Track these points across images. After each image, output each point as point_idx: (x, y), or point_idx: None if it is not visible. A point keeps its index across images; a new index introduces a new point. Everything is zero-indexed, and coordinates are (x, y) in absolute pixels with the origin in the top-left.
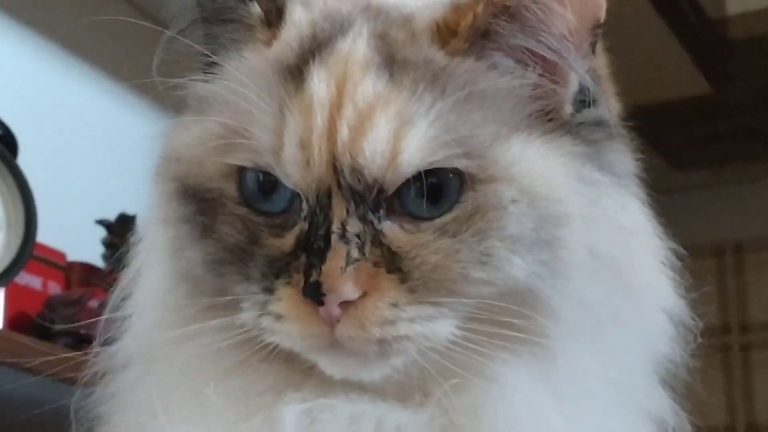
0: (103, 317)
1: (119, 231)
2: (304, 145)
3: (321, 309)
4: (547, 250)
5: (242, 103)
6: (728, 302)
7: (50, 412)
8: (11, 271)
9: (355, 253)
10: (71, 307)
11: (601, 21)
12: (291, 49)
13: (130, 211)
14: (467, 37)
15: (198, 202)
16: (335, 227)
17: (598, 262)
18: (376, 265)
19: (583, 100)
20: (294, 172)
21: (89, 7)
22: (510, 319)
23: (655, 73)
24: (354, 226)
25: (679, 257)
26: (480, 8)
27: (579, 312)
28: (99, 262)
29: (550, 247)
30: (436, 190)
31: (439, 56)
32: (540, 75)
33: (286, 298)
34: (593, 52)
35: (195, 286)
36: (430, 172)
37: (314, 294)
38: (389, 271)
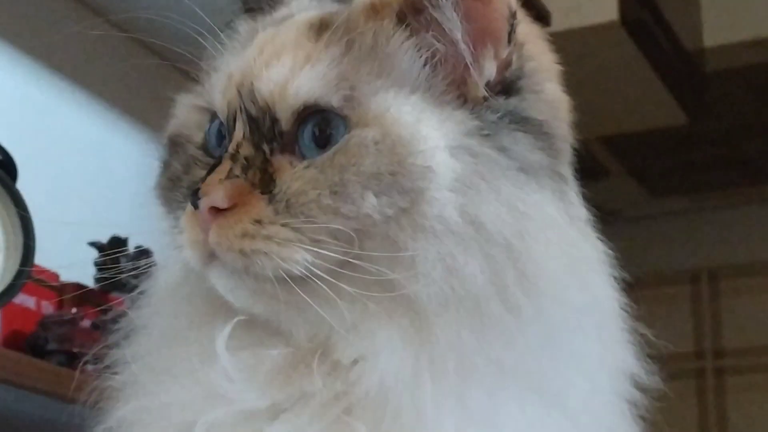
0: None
1: (111, 252)
2: (230, 77)
3: (197, 213)
4: (406, 198)
5: (221, 57)
6: (703, 328)
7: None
8: (9, 293)
9: (237, 171)
10: (64, 326)
11: (513, 10)
12: (272, 18)
13: (122, 234)
14: (390, 11)
15: (172, 146)
16: (231, 148)
17: (479, 234)
18: (253, 185)
19: (504, 90)
20: (217, 98)
21: (87, 35)
22: (369, 265)
23: (634, 104)
24: (246, 149)
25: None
26: None
27: (452, 279)
28: (91, 282)
29: (409, 195)
30: (324, 133)
31: (362, 22)
32: (449, 52)
33: (185, 212)
34: (509, 42)
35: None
36: (318, 113)
37: (193, 199)
38: (263, 193)
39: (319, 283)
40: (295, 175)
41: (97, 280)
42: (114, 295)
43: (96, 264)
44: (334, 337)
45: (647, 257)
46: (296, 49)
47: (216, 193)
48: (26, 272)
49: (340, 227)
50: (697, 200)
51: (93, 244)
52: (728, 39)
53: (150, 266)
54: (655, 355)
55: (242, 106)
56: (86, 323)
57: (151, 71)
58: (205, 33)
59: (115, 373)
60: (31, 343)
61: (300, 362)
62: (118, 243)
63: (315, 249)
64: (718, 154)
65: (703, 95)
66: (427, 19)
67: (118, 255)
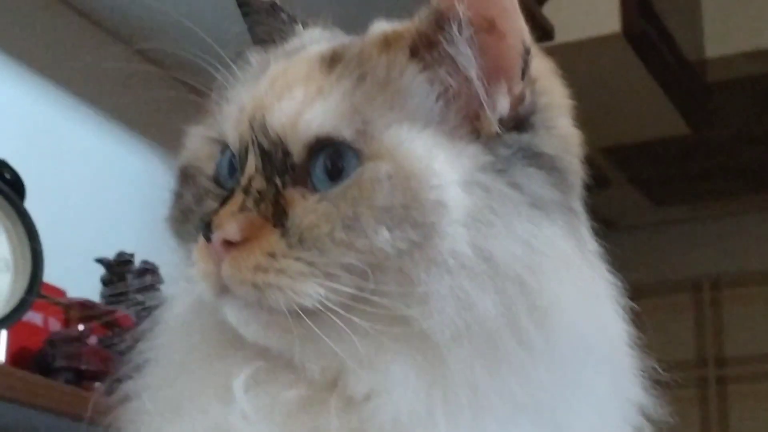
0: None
1: (117, 269)
2: (241, 109)
3: (210, 246)
4: (420, 233)
5: (233, 89)
6: (705, 336)
7: None
8: (18, 312)
9: (249, 203)
10: (72, 344)
11: (528, 46)
12: (284, 50)
13: (128, 250)
14: (403, 44)
15: (183, 177)
16: (243, 180)
17: (492, 269)
18: (265, 218)
19: (517, 125)
20: (228, 130)
21: (93, 51)
22: (383, 300)
23: (636, 115)
24: (258, 182)
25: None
26: (418, 22)
27: (465, 314)
28: (98, 299)
29: (422, 229)
30: (336, 166)
31: (374, 55)
32: (462, 87)
33: (198, 245)
34: (522, 77)
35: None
36: (330, 145)
37: (205, 232)
38: (275, 226)
39: (332, 316)
40: (308, 209)
41: (104, 296)
42: (121, 311)
43: (103, 280)
44: (347, 371)
45: (650, 266)
46: (308, 82)
47: (229, 226)
48: (35, 292)
49: (354, 261)
50: (699, 209)
51: (100, 261)
52: (730, 50)
53: (156, 283)
54: (659, 381)
55: (254, 139)
56: (93, 340)
57: (159, 88)
58: (216, 64)
59: (127, 404)
60: (39, 360)
61: (315, 399)
62: (124, 260)
63: (328, 283)
64: (719, 163)
65: (705, 105)
66: (441, 53)
67: (124, 271)
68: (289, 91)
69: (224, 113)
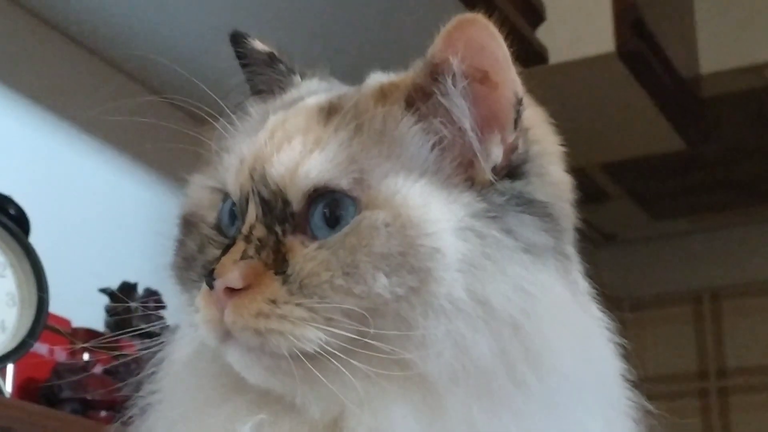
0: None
1: (121, 299)
2: (242, 160)
3: (213, 293)
4: (416, 278)
5: (232, 139)
6: (706, 348)
7: None
8: (25, 345)
9: (251, 252)
10: (78, 373)
11: (520, 96)
12: (282, 101)
13: (131, 280)
14: (399, 95)
15: (185, 225)
16: (244, 229)
17: (486, 313)
18: (266, 266)
19: (510, 173)
20: (229, 180)
21: (94, 82)
22: (382, 344)
23: (632, 132)
24: (259, 231)
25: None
26: (414, 74)
27: (462, 357)
28: (102, 328)
29: (418, 275)
30: (334, 214)
31: (371, 106)
32: (456, 137)
33: (201, 291)
34: (515, 127)
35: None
36: (328, 194)
37: (208, 279)
38: (276, 273)
39: (332, 360)
40: (307, 256)
41: (108, 325)
42: (126, 340)
43: (107, 310)
44: (347, 413)
45: (649, 279)
46: (306, 133)
47: (231, 274)
48: (41, 325)
49: (353, 307)
50: (696, 222)
51: (103, 291)
52: (724, 66)
53: (160, 308)
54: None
55: (254, 189)
56: (98, 369)
57: (160, 117)
58: (215, 114)
59: None
60: (46, 391)
61: None
62: (127, 289)
63: (328, 328)
64: (716, 177)
65: (700, 121)
66: (435, 104)
67: (128, 301)
68: (288, 142)
69: (225, 163)
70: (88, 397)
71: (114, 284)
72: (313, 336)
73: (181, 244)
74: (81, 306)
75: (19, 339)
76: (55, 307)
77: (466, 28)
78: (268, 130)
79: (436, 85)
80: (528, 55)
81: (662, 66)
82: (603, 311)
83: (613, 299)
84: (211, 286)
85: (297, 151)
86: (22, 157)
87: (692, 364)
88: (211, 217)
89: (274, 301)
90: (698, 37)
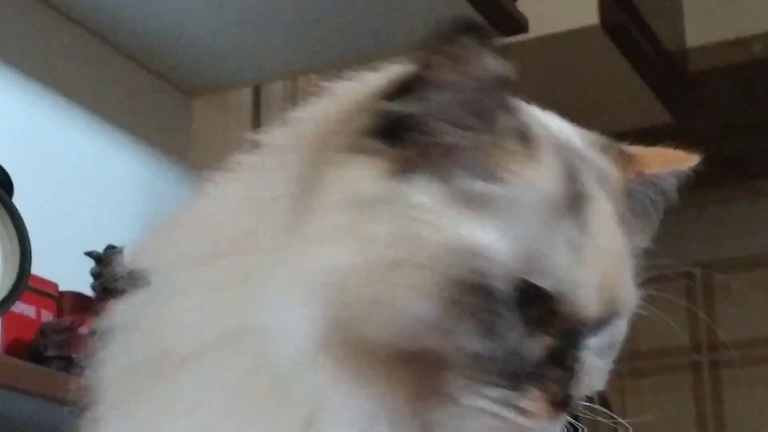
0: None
1: (107, 262)
2: (600, 288)
3: (560, 414)
4: None
5: (531, 225)
6: (698, 322)
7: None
8: (7, 302)
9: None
10: (63, 333)
11: None
12: (554, 181)
13: (117, 243)
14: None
15: (478, 294)
16: (583, 355)
17: None
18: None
19: None
20: (586, 309)
21: (80, 52)
22: None
23: (618, 106)
24: (587, 356)
25: None
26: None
27: None
28: (89, 291)
29: None
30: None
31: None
32: None
33: (537, 400)
34: None
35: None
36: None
37: (564, 403)
38: None
39: None
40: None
41: (94, 288)
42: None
43: (93, 273)
44: None
45: (640, 254)
46: (626, 254)
47: (559, 418)
48: (24, 282)
49: None
50: (686, 198)
51: (90, 254)
52: (711, 39)
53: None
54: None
55: (607, 320)
56: (84, 330)
57: (144, 86)
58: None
59: None
60: (32, 350)
61: None
62: (113, 252)
63: None
64: (705, 151)
65: (688, 95)
66: None
67: (114, 263)
68: (625, 269)
69: (556, 269)
70: (73, 355)
71: (100, 248)
72: None
73: (479, 320)
74: (68, 270)
75: (3, 294)
76: (42, 271)
77: None
78: (604, 251)
79: None
80: (507, 24)
81: (647, 39)
82: None
83: None
84: (564, 410)
85: (630, 279)
86: (5, 122)
87: (684, 338)
88: (509, 295)
89: None
90: (684, 9)
